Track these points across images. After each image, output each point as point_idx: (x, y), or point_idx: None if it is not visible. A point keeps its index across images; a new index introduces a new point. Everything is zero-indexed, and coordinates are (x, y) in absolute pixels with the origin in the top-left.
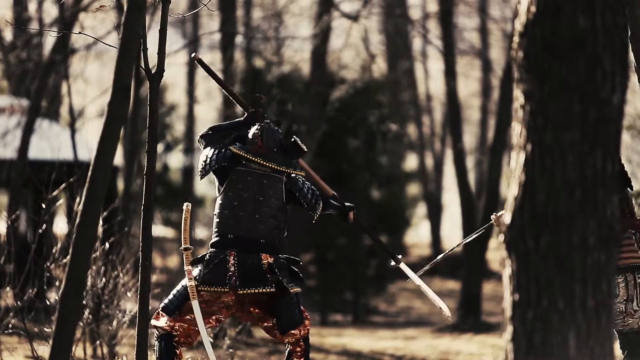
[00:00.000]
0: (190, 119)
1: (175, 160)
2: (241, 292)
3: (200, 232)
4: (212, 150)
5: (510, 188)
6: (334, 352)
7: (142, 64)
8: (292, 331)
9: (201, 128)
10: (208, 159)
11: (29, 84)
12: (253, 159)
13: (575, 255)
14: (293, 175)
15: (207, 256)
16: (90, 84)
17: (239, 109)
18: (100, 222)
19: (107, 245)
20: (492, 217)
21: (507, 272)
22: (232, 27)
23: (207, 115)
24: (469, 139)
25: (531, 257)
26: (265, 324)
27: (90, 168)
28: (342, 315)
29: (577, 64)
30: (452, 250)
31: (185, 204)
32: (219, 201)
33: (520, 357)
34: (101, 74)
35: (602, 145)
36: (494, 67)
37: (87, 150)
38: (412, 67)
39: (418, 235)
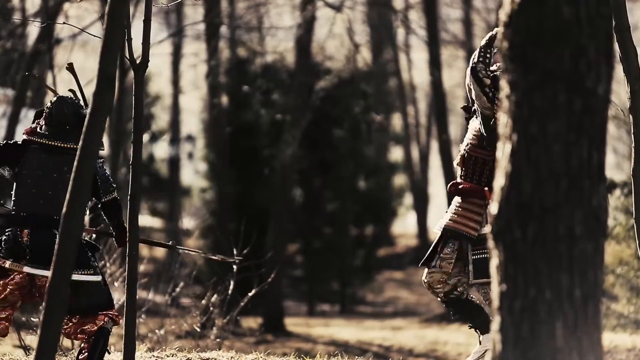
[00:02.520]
0: (175, 109)
1: (161, 150)
2: (31, 271)
3: (187, 222)
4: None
5: (496, 178)
6: (321, 342)
7: (127, 54)
8: (75, 319)
9: (186, 118)
10: None
11: (14, 74)
12: (37, 140)
13: (562, 246)
14: None
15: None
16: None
17: (224, 98)
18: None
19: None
20: None
21: (494, 262)
22: (216, 18)
23: (192, 105)
24: (455, 129)
25: (518, 247)
26: None
27: (77, 158)
28: (329, 305)
29: (561, 54)
30: None
31: None
32: (14, 181)
33: (507, 347)
34: (85, 64)
35: (587, 135)
36: None
37: None
38: (397, 58)
39: (405, 225)
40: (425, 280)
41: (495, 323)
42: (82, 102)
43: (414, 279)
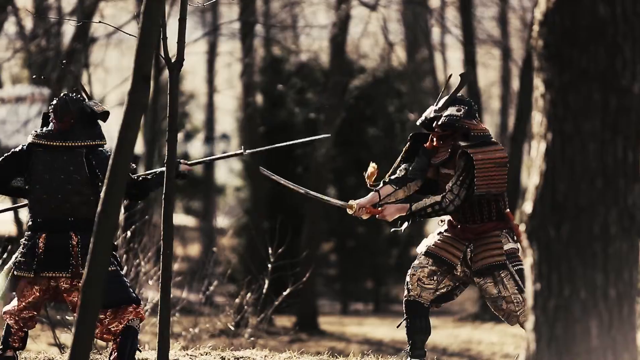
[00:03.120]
0: (210, 107)
1: (195, 149)
2: (42, 274)
3: (222, 221)
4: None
5: (531, 177)
6: (354, 341)
7: (162, 53)
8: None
9: (221, 116)
10: None
11: (50, 73)
12: (39, 142)
13: (596, 245)
14: (94, 144)
15: (21, 242)
16: (110, 72)
17: (258, 97)
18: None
19: (128, 233)
20: (353, 202)
21: (528, 262)
22: (251, 16)
23: (227, 103)
24: (489, 128)
25: (552, 246)
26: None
27: (111, 157)
28: (363, 304)
29: (597, 53)
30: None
31: None
32: (27, 188)
33: (542, 346)
34: (121, 62)
35: (623, 134)
36: (513, 56)
37: (108, 138)
38: (432, 56)
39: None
40: (415, 274)
41: (530, 322)
42: (87, 99)
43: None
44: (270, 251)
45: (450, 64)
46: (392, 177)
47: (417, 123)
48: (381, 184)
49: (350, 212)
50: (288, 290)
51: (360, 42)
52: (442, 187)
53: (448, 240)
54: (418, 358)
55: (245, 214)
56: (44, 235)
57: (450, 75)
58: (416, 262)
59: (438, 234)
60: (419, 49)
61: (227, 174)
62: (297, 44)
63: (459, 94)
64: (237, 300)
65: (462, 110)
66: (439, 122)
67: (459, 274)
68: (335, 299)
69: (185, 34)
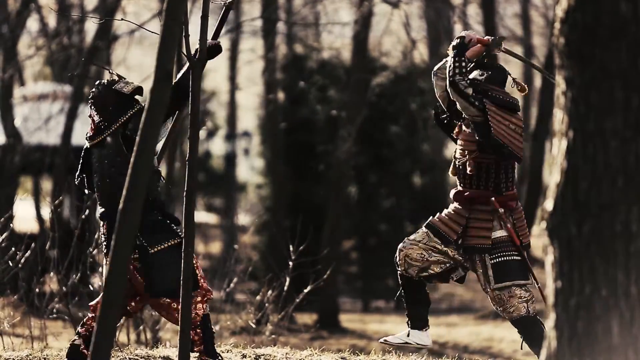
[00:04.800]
0: (231, 105)
1: (217, 146)
2: None
3: (243, 218)
4: None
5: (552, 175)
6: (376, 338)
7: (184, 51)
8: (160, 300)
9: (243, 114)
10: None
11: (72, 70)
12: (89, 143)
13: (618, 243)
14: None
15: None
16: (132, 70)
17: (280, 94)
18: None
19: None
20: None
21: (549, 259)
22: (273, 14)
23: (249, 101)
24: None
25: (574, 244)
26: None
27: (133, 154)
28: (384, 301)
29: (619, 51)
30: None
31: None
32: None
33: (563, 344)
34: (143, 60)
35: None
36: (535, 53)
37: None
38: None
39: None
40: (403, 250)
41: (551, 320)
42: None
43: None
44: (291, 249)
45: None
46: None
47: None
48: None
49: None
50: (309, 288)
51: (382, 39)
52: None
53: (451, 215)
54: (417, 329)
55: (267, 212)
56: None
57: (492, 39)
58: (412, 236)
59: (446, 209)
60: (442, 45)
61: (249, 171)
62: (319, 41)
63: (485, 60)
64: (258, 298)
65: (485, 74)
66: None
67: (452, 253)
68: (357, 297)
69: (207, 31)
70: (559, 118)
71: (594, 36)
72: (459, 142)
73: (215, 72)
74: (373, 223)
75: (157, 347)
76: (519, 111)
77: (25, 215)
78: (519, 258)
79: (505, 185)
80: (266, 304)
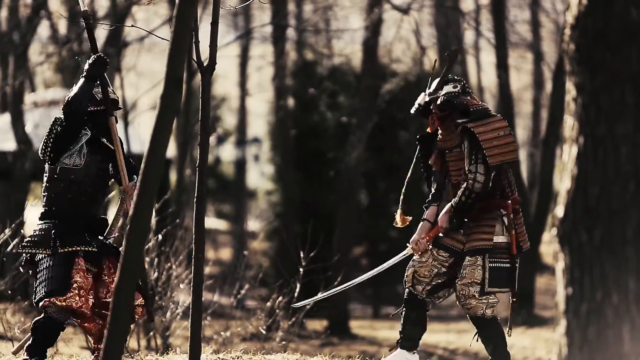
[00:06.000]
0: (241, 111)
1: (227, 152)
2: None
3: (253, 225)
4: None
5: (562, 181)
6: (386, 344)
7: (194, 57)
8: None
9: (253, 120)
10: None
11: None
12: None
13: (629, 249)
14: None
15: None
16: (143, 76)
17: (290, 100)
18: (153, 213)
19: (160, 237)
20: (409, 245)
21: (560, 266)
22: (283, 20)
23: (259, 107)
24: (521, 131)
25: (584, 250)
26: None
27: (143, 160)
28: (394, 308)
29: (629, 55)
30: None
31: None
32: None
33: (573, 351)
34: (153, 66)
35: None
36: (546, 59)
37: (140, 142)
38: (464, 60)
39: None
40: (412, 268)
41: (561, 326)
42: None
43: None
44: (301, 255)
45: (482, 68)
46: (429, 198)
47: (412, 111)
48: (425, 210)
49: (413, 251)
50: (319, 294)
51: (392, 46)
52: (452, 172)
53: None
54: (405, 349)
55: (277, 218)
56: None
57: (436, 60)
58: (416, 257)
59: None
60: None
61: (259, 177)
62: (329, 47)
63: (449, 75)
64: (268, 304)
65: (458, 86)
66: (438, 102)
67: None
68: (367, 303)
69: (217, 37)
70: (570, 124)
71: (604, 41)
72: (450, 164)
73: (226, 78)
74: (383, 229)
75: (167, 354)
76: (491, 111)
77: (36, 221)
78: (509, 266)
79: (510, 189)
80: (276, 310)
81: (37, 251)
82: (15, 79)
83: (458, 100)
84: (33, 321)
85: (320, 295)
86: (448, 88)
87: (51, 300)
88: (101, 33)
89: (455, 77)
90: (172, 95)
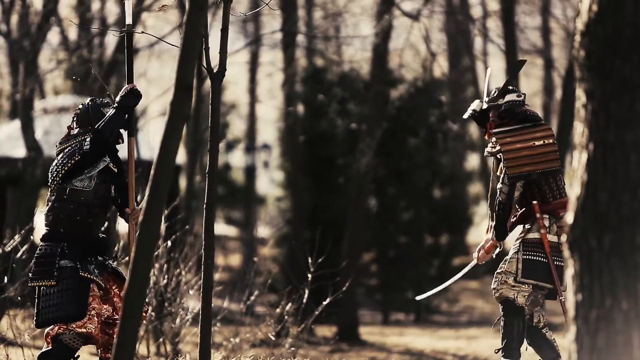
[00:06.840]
0: (251, 117)
1: (237, 159)
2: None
3: (263, 231)
4: None
5: (572, 188)
6: (395, 351)
7: (204, 63)
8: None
9: (262, 126)
10: None
11: (92, 83)
12: None
13: (638, 255)
14: None
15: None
16: (152, 83)
17: (300, 107)
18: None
19: (169, 243)
20: (474, 254)
21: (570, 272)
22: (293, 27)
23: (268, 113)
24: None
25: (594, 256)
26: None
27: (153, 166)
28: (404, 314)
29: (639, 63)
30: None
31: None
32: None
33: (583, 357)
34: (163, 73)
35: None
36: (556, 66)
37: (150, 149)
38: (474, 66)
39: (480, 234)
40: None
41: (571, 333)
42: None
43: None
44: (310, 261)
45: (492, 74)
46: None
47: (465, 116)
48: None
49: (477, 261)
50: (328, 300)
51: (402, 52)
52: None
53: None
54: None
55: (286, 224)
56: None
57: (513, 63)
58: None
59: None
60: (461, 58)
61: (268, 184)
62: (339, 54)
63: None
64: (277, 310)
65: (523, 96)
66: (501, 110)
67: None
68: (376, 309)
69: (227, 44)
70: (579, 131)
71: (614, 48)
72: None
73: (235, 85)
74: (392, 235)
75: None
76: (541, 120)
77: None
78: (545, 260)
79: (552, 194)
80: (286, 316)
81: (43, 283)
82: (25, 85)
83: (520, 109)
84: (39, 354)
85: (442, 285)
86: (512, 96)
87: (69, 326)
88: (111, 40)
89: (517, 88)
90: (182, 101)
